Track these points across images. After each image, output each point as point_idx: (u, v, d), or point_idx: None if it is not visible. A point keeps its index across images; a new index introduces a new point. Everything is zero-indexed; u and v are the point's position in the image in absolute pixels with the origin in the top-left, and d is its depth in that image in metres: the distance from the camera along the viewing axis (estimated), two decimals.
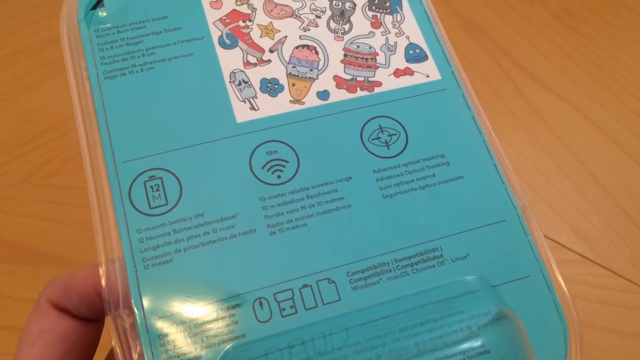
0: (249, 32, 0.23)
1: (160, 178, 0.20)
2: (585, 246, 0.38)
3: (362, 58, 0.23)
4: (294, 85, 0.22)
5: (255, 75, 0.22)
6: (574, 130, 0.43)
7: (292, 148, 0.21)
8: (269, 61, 0.22)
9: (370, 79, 0.22)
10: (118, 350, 0.18)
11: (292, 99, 0.22)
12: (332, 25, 0.23)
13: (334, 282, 0.19)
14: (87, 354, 0.20)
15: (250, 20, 0.23)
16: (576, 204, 0.40)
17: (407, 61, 0.23)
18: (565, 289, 0.20)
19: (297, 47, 0.23)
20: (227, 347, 0.18)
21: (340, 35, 0.23)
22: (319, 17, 0.23)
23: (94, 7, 0.22)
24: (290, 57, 0.23)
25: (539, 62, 0.46)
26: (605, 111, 0.44)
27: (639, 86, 0.45)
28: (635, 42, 0.47)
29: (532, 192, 0.40)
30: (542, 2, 0.49)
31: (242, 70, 0.22)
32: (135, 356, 0.18)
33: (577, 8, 0.48)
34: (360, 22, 0.24)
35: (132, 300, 0.18)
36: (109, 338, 0.18)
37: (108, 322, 0.18)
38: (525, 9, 0.48)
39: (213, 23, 0.23)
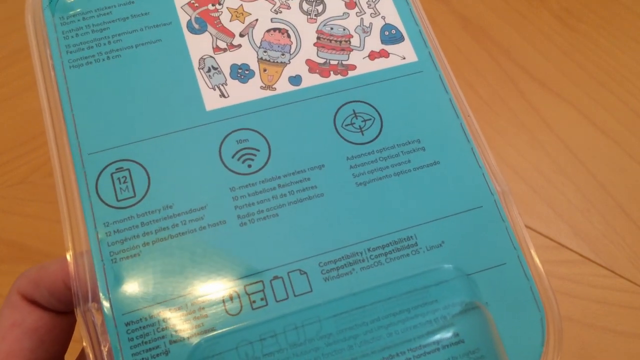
0: (218, 16, 0.22)
1: (128, 170, 0.20)
2: (585, 246, 0.38)
3: (336, 40, 0.22)
4: (265, 70, 0.21)
5: (225, 61, 0.21)
6: (574, 130, 0.43)
7: (263, 136, 0.20)
8: (240, 46, 0.22)
9: (344, 62, 0.22)
10: (87, 345, 0.18)
11: (264, 85, 0.21)
12: (305, 6, 0.23)
13: (305, 273, 0.19)
14: (60, 346, 0.20)
15: (219, 4, 0.22)
16: (576, 204, 0.40)
17: (382, 43, 0.22)
18: (544, 276, 0.19)
19: (268, 31, 0.22)
20: (197, 341, 0.18)
21: (314, 17, 0.22)
22: None
23: None
24: (262, 41, 0.22)
25: (539, 62, 0.45)
26: (605, 111, 0.43)
27: (639, 86, 0.44)
28: (635, 42, 0.46)
29: (532, 192, 0.40)
30: (542, 2, 0.48)
31: (211, 56, 0.21)
32: (104, 351, 0.18)
33: (577, 8, 0.48)
34: (334, 2, 0.23)
35: (100, 295, 0.18)
36: None
37: (78, 316, 0.18)
38: (525, 9, 0.48)
39: (181, 7, 0.22)
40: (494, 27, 0.47)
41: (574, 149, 0.42)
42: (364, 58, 0.22)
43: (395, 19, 0.23)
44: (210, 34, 0.22)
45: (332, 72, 0.21)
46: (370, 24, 0.22)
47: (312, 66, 0.22)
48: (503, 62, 0.45)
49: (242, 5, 0.22)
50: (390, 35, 0.22)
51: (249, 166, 0.20)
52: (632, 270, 0.37)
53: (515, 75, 0.45)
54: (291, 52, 0.22)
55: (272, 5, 0.22)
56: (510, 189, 0.20)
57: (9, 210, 0.39)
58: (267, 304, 0.18)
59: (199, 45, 0.21)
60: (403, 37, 0.22)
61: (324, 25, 0.22)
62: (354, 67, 0.22)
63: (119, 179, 0.19)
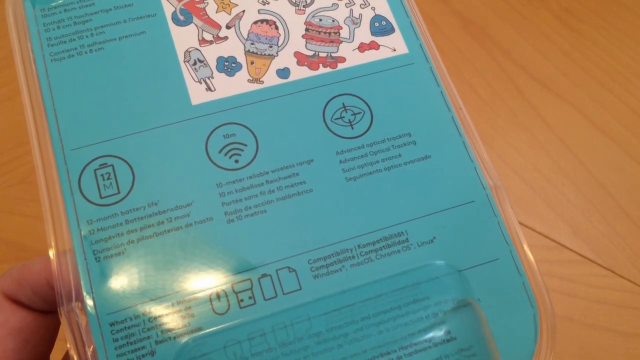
0: (204, 7, 0.21)
1: (112, 166, 0.19)
2: (585, 246, 0.38)
3: (325, 32, 0.22)
4: (252, 63, 0.21)
5: (212, 53, 0.21)
6: (574, 130, 0.43)
7: (250, 130, 0.20)
8: (226, 38, 0.21)
9: (333, 54, 0.21)
10: (71, 346, 0.17)
11: (251, 78, 0.21)
12: None
13: (294, 270, 0.18)
14: (45, 346, 0.20)
15: None
16: (576, 204, 0.40)
17: (372, 34, 0.22)
18: (537, 271, 0.19)
19: (255, 22, 0.21)
20: (184, 341, 0.17)
21: (302, 8, 0.22)
22: None
23: None
24: (249, 33, 0.21)
25: (539, 62, 0.45)
26: (605, 111, 0.43)
27: (639, 86, 0.44)
28: (635, 42, 0.46)
29: (532, 192, 0.40)
30: (542, 2, 0.48)
31: (197, 49, 0.21)
32: (89, 352, 0.17)
33: (577, 8, 0.48)
34: None
35: (84, 294, 0.18)
36: None
37: (61, 316, 0.18)
38: (525, 9, 0.48)
39: None
40: (494, 27, 0.47)
41: (574, 149, 0.42)
42: (353, 50, 0.21)
43: (385, 10, 0.22)
44: (196, 25, 0.21)
45: (321, 65, 0.21)
46: (360, 15, 0.22)
47: (301, 59, 0.21)
48: (503, 62, 0.45)
49: None
50: (381, 27, 0.22)
51: (236, 161, 0.19)
52: (632, 270, 0.37)
53: (515, 75, 0.45)
54: (279, 44, 0.21)
55: None
56: (505, 185, 0.20)
57: (9, 210, 0.39)
58: (255, 303, 0.18)
59: (184, 38, 0.21)
60: (393, 29, 0.22)
61: (313, 16, 0.22)
62: (343, 60, 0.21)
63: (102, 175, 0.19)
